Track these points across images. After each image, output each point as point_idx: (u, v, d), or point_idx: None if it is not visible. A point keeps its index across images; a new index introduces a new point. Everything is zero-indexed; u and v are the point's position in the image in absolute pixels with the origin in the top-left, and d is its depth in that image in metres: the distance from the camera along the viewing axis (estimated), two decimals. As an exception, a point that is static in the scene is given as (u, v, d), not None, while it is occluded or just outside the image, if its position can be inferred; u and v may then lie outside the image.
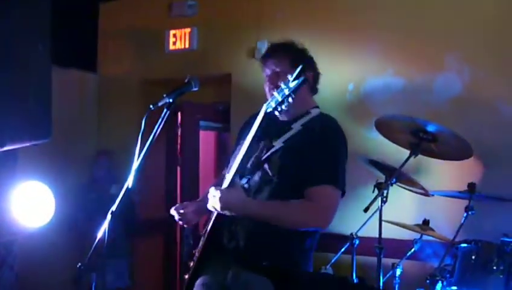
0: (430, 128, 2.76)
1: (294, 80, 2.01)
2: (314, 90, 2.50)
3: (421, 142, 2.78)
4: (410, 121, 2.81)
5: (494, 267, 2.57)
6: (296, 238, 2.27)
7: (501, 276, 2.54)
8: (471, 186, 2.79)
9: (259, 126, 2.17)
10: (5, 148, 2.27)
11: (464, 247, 2.71)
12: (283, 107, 2.05)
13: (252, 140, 2.23)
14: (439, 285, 2.36)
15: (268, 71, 2.42)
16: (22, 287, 4.35)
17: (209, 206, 2.19)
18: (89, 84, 5.21)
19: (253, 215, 2.19)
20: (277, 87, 2.23)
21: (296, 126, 2.32)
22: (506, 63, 3.59)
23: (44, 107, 2.40)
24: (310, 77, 2.40)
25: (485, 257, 2.61)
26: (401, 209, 3.37)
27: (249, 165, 2.31)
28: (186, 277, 2.41)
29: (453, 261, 2.75)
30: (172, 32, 4.86)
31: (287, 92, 2.01)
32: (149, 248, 5.09)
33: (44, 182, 2.88)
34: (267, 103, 2.12)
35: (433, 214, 3.18)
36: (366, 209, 2.58)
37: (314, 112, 2.40)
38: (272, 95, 2.17)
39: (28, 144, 2.45)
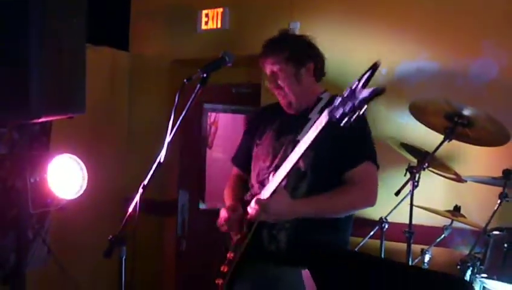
0: (466, 112, 2.70)
1: (363, 86, 1.80)
2: (318, 76, 2.46)
3: (456, 126, 2.73)
4: (445, 104, 2.75)
5: (527, 256, 2.51)
6: (336, 227, 2.28)
7: (534, 265, 2.49)
8: (507, 172, 2.73)
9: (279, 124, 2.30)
10: (42, 120, 2.31)
11: (496, 235, 2.66)
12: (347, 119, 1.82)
13: (271, 139, 2.32)
14: (468, 272, 2.31)
15: (267, 71, 2.40)
16: (54, 260, 4.43)
17: (254, 217, 2.17)
18: (121, 63, 5.23)
19: (303, 215, 2.18)
20: (278, 87, 2.31)
21: (314, 115, 2.26)
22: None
23: (79, 81, 2.43)
24: (311, 67, 2.39)
25: (518, 245, 2.56)
26: (433, 195, 3.32)
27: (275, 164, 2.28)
28: (220, 282, 2.38)
29: (484, 249, 2.71)
30: (204, 12, 4.83)
31: (356, 104, 1.78)
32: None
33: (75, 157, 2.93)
34: (329, 109, 1.91)
35: (465, 201, 3.13)
36: (397, 193, 2.56)
37: (325, 97, 2.37)
38: (278, 94, 2.32)
39: (63, 117, 2.49)
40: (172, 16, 5.07)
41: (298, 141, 2.18)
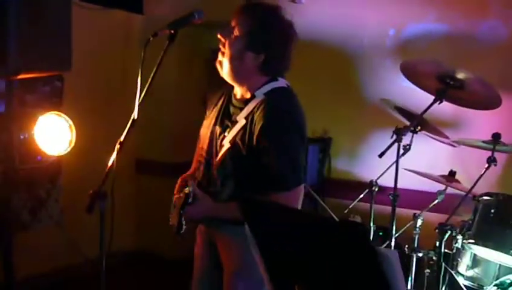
0: (458, 74, 2.62)
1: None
2: (266, 71, 2.17)
3: (448, 88, 2.65)
4: (436, 66, 2.67)
5: (513, 222, 2.45)
6: None
7: (519, 231, 2.43)
8: (496, 136, 2.65)
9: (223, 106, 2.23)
10: (21, 76, 2.34)
11: (484, 200, 2.60)
12: None
13: (211, 120, 2.25)
14: (446, 236, 2.28)
15: (231, 22, 2.21)
16: (67, 219, 4.56)
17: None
18: (135, 25, 5.25)
19: (223, 218, 2.15)
20: (223, 44, 2.17)
21: (240, 118, 2.13)
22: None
23: (63, 37, 2.44)
24: (259, 58, 2.13)
25: (505, 210, 2.50)
26: (428, 159, 3.29)
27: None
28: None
29: (473, 215, 2.66)
30: (216, -27, 4.79)
31: None
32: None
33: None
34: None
35: (461, 166, 3.07)
36: (380, 155, 2.52)
37: (259, 96, 2.14)
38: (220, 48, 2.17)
39: (46, 74, 2.52)
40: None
41: (224, 137, 2.17)
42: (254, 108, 2.11)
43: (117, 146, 2.26)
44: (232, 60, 2.14)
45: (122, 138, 2.25)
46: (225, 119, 2.24)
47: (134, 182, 5.07)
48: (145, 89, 2.13)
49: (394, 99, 3.15)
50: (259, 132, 2.05)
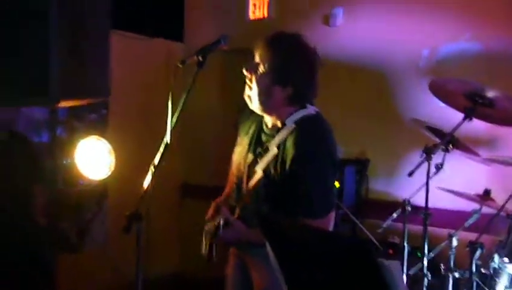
0: (486, 92, 2.62)
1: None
2: (295, 102, 2.19)
3: (476, 106, 2.65)
4: (464, 84, 2.68)
5: (548, 240, 2.42)
6: None
7: (554, 249, 2.39)
8: (527, 154, 2.63)
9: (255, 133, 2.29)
10: (61, 105, 2.49)
11: (518, 218, 2.57)
12: None
13: (244, 147, 2.31)
14: (477, 253, 2.26)
15: (255, 56, 2.24)
16: (112, 242, 4.70)
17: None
18: (176, 53, 5.43)
19: (254, 243, 2.16)
20: (250, 79, 2.19)
21: (272, 147, 2.17)
22: None
23: (101, 67, 2.58)
24: (288, 91, 2.16)
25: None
26: (463, 178, 3.27)
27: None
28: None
29: (508, 233, 2.63)
30: (252, 1, 4.95)
31: None
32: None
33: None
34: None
35: (497, 185, 3.05)
36: (410, 174, 2.53)
37: (289, 125, 2.17)
38: (246, 82, 2.20)
39: (85, 102, 2.67)
40: (223, 5, 5.22)
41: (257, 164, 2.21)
42: (285, 137, 2.16)
43: (151, 168, 2.36)
44: (260, 95, 2.18)
45: (156, 161, 2.35)
46: (257, 147, 2.29)
47: (180, 206, 5.20)
48: (176, 115, 2.22)
49: (426, 118, 3.16)
50: (291, 160, 2.10)
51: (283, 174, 2.12)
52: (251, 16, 4.97)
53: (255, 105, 2.23)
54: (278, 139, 2.16)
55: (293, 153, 2.10)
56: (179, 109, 2.25)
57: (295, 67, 2.15)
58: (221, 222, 2.21)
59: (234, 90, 5.01)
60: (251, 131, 2.38)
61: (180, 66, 2.16)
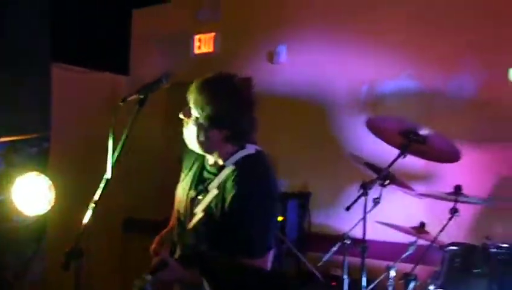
0: (420, 130, 2.75)
1: None
2: (232, 142, 2.21)
3: (411, 143, 2.78)
4: (400, 122, 2.81)
5: (478, 271, 2.53)
6: None
7: (484, 280, 2.50)
8: (457, 188, 2.76)
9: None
10: (1, 140, 2.45)
11: (450, 250, 2.69)
12: None
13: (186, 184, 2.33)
14: (411, 285, 2.35)
15: (189, 102, 2.25)
16: (51, 278, 4.57)
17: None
18: (121, 86, 5.43)
19: (192, 284, 2.14)
20: (187, 123, 2.24)
21: (212, 188, 2.21)
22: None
23: (41, 101, 2.57)
24: (225, 133, 2.18)
25: (469, 260, 2.59)
26: (400, 211, 3.39)
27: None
28: None
29: (441, 264, 2.73)
30: (197, 36, 5.02)
31: None
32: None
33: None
34: None
35: (431, 218, 3.17)
36: (347, 208, 2.61)
37: (228, 166, 2.20)
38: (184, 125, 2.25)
39: (29, 136, 2.64)
40: (169, 41, 5.27)
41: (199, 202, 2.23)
42: (225, 178, 2.19)
43: (92, 205, 2.34)
44: (197, 138, 2.21)
45: (96, 197, 2.33)
46: (199, 184, 2.31)
47: (122, 241, 5.12)
48: (118, 151, 2.22)
49: (365, 153, 3.28)
50: (231, 201, 2.13)
51: (223, 214, 2.15)
52: (196, 51, 5.04)
53: (193, 146, 2.27)
54: (218, 180, 2.20)
55: (232, 194, 2.13)
56: (120, 145, 2.26)
57: (230, 111, 2.16)
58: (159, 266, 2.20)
59: (178, 124, 5.04)
60: (194, 167, 2.40)
61: (121, 104, 2.17)
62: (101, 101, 5.15)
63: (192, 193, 2.32)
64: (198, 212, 2.23)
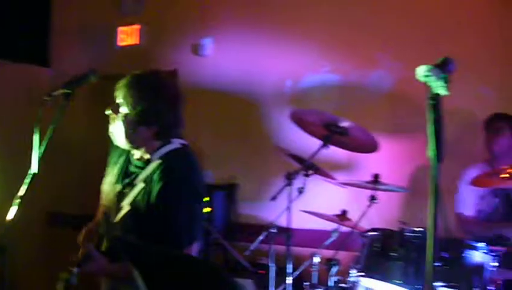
0: (341, 122, 2.89)
1: None
2: (159, 137, 2.26)
3: (333, 135, 2.91)
4: (322, 115, 2.94)
5: (395, 254, 2.70)
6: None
7: (400, 263, 2.67)
8: (375, 177, 2.93)
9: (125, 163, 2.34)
10: None
11: (370, 235, 2.84)
12: None
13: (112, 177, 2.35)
14: (334, 269, 2.48)
15: (116, 98, 2.27)
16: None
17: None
18: (42, 79, 5.26)
19: (117, 278, 2.23)
20: (114, 118, 2.25)
21: (139, 181, 2.24)
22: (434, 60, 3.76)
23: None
24: (153, 129, 2.22)
25: (387, 244, 2.74)
26: (323, 200, 3.54)
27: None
28: None
29: (361, 249, 2.89)
30: (121, 28, 4.95)
31: None
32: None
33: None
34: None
35: (353, 205, 3.33)
36: (273, 198, 2.71)
37: (154, 160, 2.24)
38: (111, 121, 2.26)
39: None
40: (91, 32, 5.16)
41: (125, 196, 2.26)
42: (152, 171, 2.24)
43: (17, 200, 2.30)
44: (126, 134, 2.24)
45: (21, 192, 2.30)
46: (126, 178, 2.34)
47: (45, 236, 4.99)
48: (43, 146, 2.20)
49: (290, 145, 3.39)
50: (157, 194, 2.17)
51: (149, 207, 2.19)
52: (120, 43, 4.97)
53: (120, 142, 2.29)
54: (144, 174, 2.24)
55: (158, 187, 2.17)
56: (46, 140, 2.23)
57: (157, 107, 2.20)
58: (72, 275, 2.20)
59: (102, 118, 4.96)
60: (120, 161, 2.42)
61: (47, 99, 2.15)
62: (19, 93, 4.98)
63: (119, 187, 2.34)
64: (125, 206, 2.26)
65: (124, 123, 2.23)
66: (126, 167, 2.37)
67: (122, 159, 2.41)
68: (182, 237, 2.17)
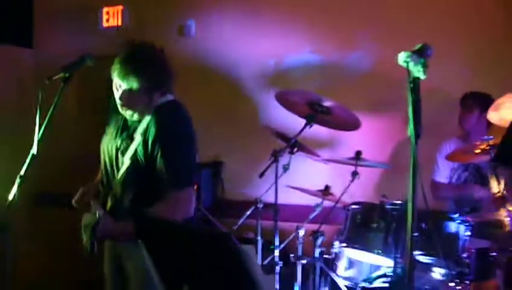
0: (324, 102, 3.03)
1: None
2: (160, 95, 2.41)
3: (317, 114, 3.05)
4: (306, 95, 3.07)
5: (376, 225, 2.87)
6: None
7: (381, 234, 2.84)
8: (358, 153, 3.09)
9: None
10: None
11: (352, 208, 3.01)
12: None
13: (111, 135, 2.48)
14: (319, 241, 2.64)
15: (119, 86, 2.38)
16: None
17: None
18: (25, 60, 5.28)
19: (123, 236, 2.30)
20: (129, 106, 2.37)
21: (137, 135, 2.37)
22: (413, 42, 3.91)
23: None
24: (155, 97, 2.38)
25: (369, 216, 2.92)
26: (307, 176, 3.70)
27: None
28: None
29: (344, 222, 3.06)
30: (105, 9, 4.99)
31: None
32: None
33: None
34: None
35: (336, 181, 3.48)
36: (261, 175, 2.85)
37: (149, 115, 2.39)
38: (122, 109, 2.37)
39: None
40: (75, 13, 5.18)
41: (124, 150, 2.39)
42: (148, 123, 2.37)
43: (18, 180, 2.40)
44: (142, 110, 2.39)
45: (22, 172, 2.40)
46: (124, 131, 2.47)
47: (33, 215, 5.07)
48: (43, 128, 2.30)
49: (276, 124, 3.52)
50: (154, 139, 2.31)
51: (149, 155, 2.32)
52: (104, 24, 5.02)
53: (137, 117, 2.41)
54: (141, 127, 2.37)
55: (155, 133, 2.32)
56: (46, 122, 2.33)
57: (158, 75, 2.36)
58: (100, 217, 2.29)
59: (88, 97, 5.02)
60: (119, 119, 2.53)
61: (47, 82, 2.25)
62: (4, 75, 5.01)
63: (118, 141, 2.45)
64: (126, 161, 2.38)
65: (136, 102, 2.35)
66: (124, 121, 2.50)
67: (121, 117, 2.52)
68: (182, 176, 2.31)
